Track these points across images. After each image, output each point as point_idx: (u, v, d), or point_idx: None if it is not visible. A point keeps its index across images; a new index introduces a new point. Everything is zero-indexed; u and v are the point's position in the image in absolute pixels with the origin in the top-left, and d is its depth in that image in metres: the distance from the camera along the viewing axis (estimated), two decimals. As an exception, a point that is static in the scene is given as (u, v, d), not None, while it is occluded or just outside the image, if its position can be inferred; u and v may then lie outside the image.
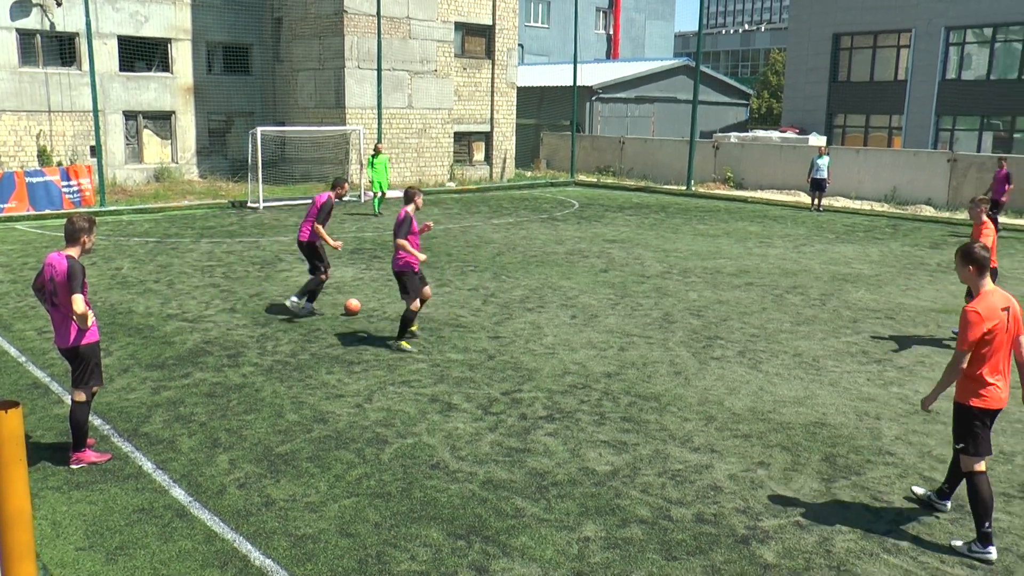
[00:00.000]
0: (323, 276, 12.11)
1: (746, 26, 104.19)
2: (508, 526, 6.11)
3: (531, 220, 22.87)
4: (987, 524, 5.84)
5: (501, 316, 12.21)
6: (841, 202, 29.14)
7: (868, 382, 9.63)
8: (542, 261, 16.54)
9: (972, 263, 6.07)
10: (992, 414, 6.03)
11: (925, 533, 6.19)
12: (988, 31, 39.40)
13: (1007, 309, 5.96)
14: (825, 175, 26.52)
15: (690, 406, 8.68)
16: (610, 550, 5.82)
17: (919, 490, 6.73)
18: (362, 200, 26.36)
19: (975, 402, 6.00)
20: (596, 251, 17.94)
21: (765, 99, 64.51)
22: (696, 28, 33.43)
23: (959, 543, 6.00)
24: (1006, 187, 22.29)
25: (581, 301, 13.24)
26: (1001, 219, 23.14)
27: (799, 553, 5.85)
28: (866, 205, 28.47)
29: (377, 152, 23.27)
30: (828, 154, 27.35)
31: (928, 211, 27.12)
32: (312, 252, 12.11)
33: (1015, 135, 39.32)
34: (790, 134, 38.74)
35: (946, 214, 26.15)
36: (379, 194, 23.38)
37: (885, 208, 27.65)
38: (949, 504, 6.56)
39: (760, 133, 39.22)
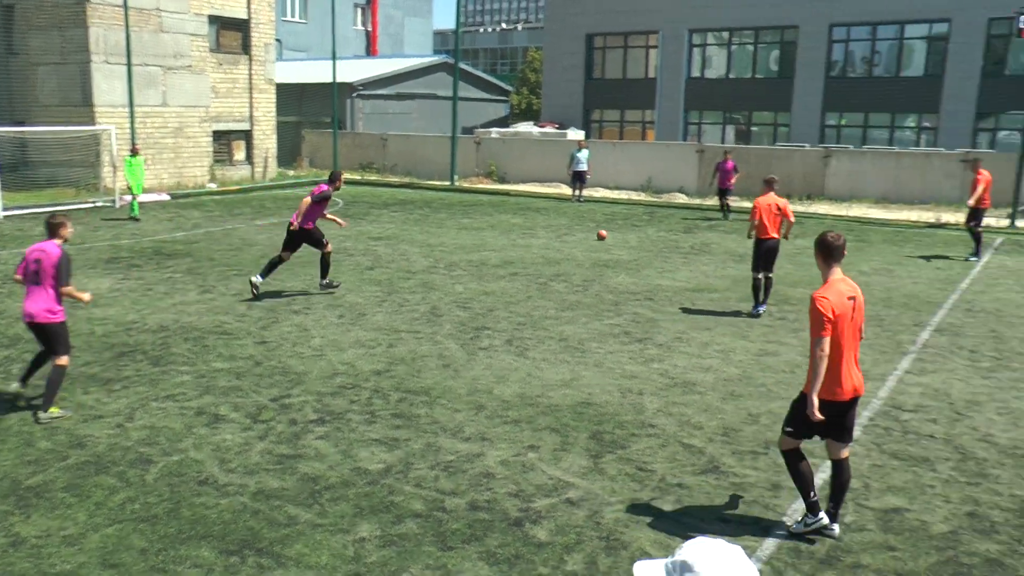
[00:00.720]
0: (327, 250, 13.66)
1: (504, 25, 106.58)
2: (282, 536, 5.95)
3: (296, 220, 22.35)
4: (812, 494, 5.96)
5: (267, 320, 11.87)
6: (601, 192, 30.45)
7: (630, 360, 10.13)
8: (307, 262, 16.20)
9: (820, 251, 6.09)
10: (835, 405, 5.89)
11: (686, 497, 6.58)
12: (725, 34, 42.43)
13: (852, 298, 5.95)
14: (585, 167, 27.60)
15: (460, 397, 8.79)
16: (386, 548, 5.80)
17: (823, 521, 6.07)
18: (117, 205, 24.74)
19: (819, 393, 5.81)
20: (362, 249, 17.81)
21: (525, 95, 66.28)
22: (454, 26, 33.82)
23: (793, 524, 6.07)
24: (732, 177, 24.05)
25: (348, 300, 13.10)
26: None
27: (570, 528, 6.07)
28: (624, 195, 29.89)
29: (135, 153, 21.98)
30: (587, 147, 28.48)
31: (681, 198, 28.89)
32: (305, 237, 13.47)
33: (752, 128, 42.58)
34: (549, 129, 40.04)
35: (697, 201, 27.94)
36: (135, 197, 22.07)
37: (642, 197, 29.18)
38: (835, 528, 6.09)
39: (521, 128, 40.30)
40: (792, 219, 13.10)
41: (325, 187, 13.53)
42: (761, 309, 12.68)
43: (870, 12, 38.37)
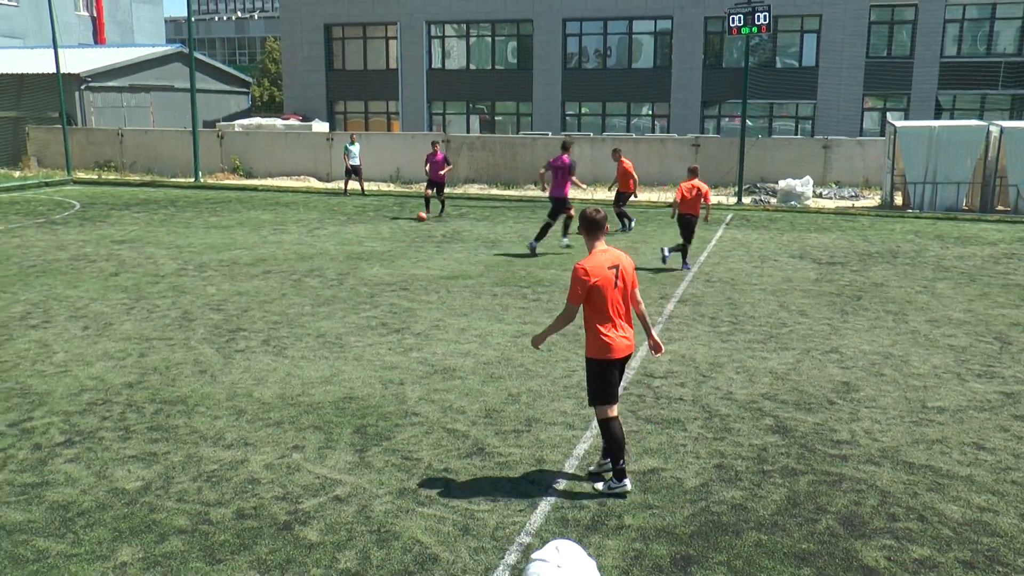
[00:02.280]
0: (570, 213, 17.25)
1: (239, 13, 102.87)
2: (29, 572, 5.48)
3: (25, 226, 20.59)
4: (622, 461, 6.38)
5: (-4, 337, 10.87)
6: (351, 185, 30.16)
7: (390, 351, 10.14)
8: (43, 271, 14.98)
9: (583, 226, 6.50)
10: (613, 363, 6.44)
11: (453, 481, 6.68)
12: (463, 27, 43.15)
13: (615, 267, 6.39)
14: (358, 161, 27.14)
15: (219, 403, 8.46)
16: (150, 570, 5.49)
17: (599, 485, 6.53)
18: None
19: (594, 354, 6.43)
20: (104, 254, 16.68)
21: (267, 87, 64.47)
22: (186, 13, 32.25)
23: (600, 485, 6.48)
24: (444, 168, 24.07)
25: (92, 310, 12.24)
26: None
27: (341, 526, 6.00)
28: (374, 186, 29.77)
29: None
30: (358, 141, 27.98)
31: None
32: (562, 204, 17.15)
33: (497, 117, 43.64)
34: (294, 121, 39.18)
35: (447, 190, 28.23)
36: None
37: (391, 187, 29.18)
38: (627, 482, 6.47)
39: (263, 121, 39.14)
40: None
41: (567, 159, 16.99)
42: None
43: (600, 8, 40.38)
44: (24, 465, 7.07)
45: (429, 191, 22.17)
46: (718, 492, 6.58)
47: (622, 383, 6.93)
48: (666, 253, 15.77)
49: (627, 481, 6.48)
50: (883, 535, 5.99)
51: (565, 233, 17.61)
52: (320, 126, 37.87)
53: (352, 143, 27.27)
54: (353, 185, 27.61)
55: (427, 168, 22.12)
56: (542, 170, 17.46)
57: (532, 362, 9.76)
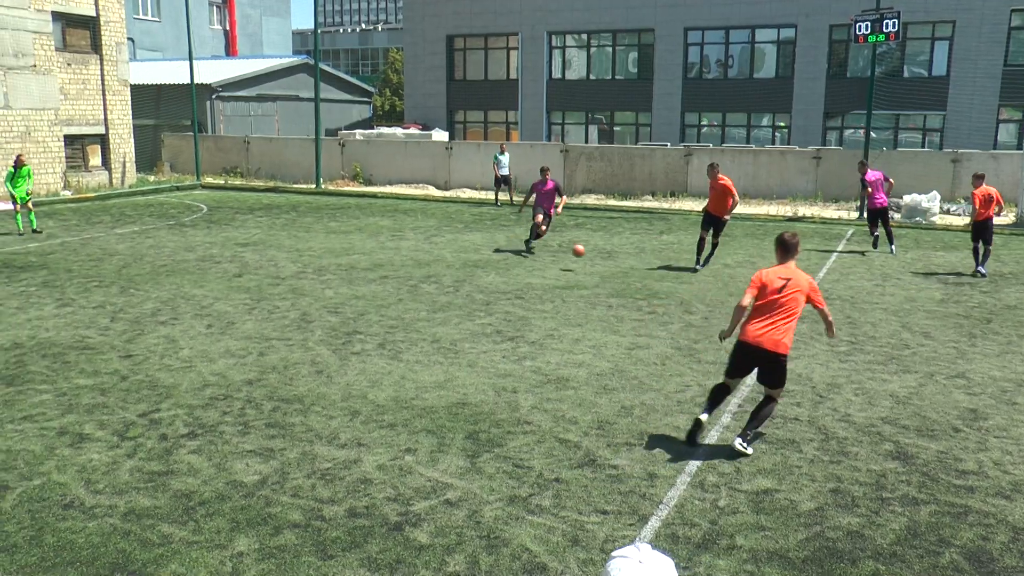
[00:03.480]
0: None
1: (363, 25, 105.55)
2: (155, 556, 5.73)
3: (158, 227, 21.59)
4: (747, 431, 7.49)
5: (132, 333, 11.41)
6: (468, 193, 30.54)
7: (503, 359, 10.20)
8: (172, 270, 15.68)
9: (777, 247, 7.83)
10: (741, 345, 7.62)
11: (564, 491, 6.67)
12: (584, 36, 43.22)
13: (786, 279, 7.56)
14: (508, 171, 27.34)
15: (334, 403, 8.67)
16: (265, 561, 5.66)
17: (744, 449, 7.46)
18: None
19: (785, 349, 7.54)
20: (228, 256, 17.33)
21: (388, 97, 65.91)
22: (313, 26, 33.29)
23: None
24: (556, 200, 23.92)
25: (216, 309, 12.73)
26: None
27: (451, 529, 6.06)
28: (490, 195, 30.05)
29: (19, 164, 20.34)
30: (507, 151, 28.15)
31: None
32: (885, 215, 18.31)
33: (615, 127, 43.52)
34: (414, 130, 39.91)
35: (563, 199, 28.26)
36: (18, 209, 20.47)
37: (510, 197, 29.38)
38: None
39: (384, 130, 40.02)
40: (737, 199, 16.16)
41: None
42: (699, 267, 15.96)
43: (722, 17, 39.82)
44: (152, 454, 7.39)
45: (542, 225, 18.08)
46: (834, 517, 6.37)
47: (735, 402, 6.77)
48: (981, 270, 16.23)
49: (739, 442, 7.43)
50: (1015, 574, 5.69)
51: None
52: (440, 135, 38.48)
53: (502, 152, 27.31)
54: (504, 196, 27.70)
55: (530, 198, 18.39)
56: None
57: (646, 375, 9.67)
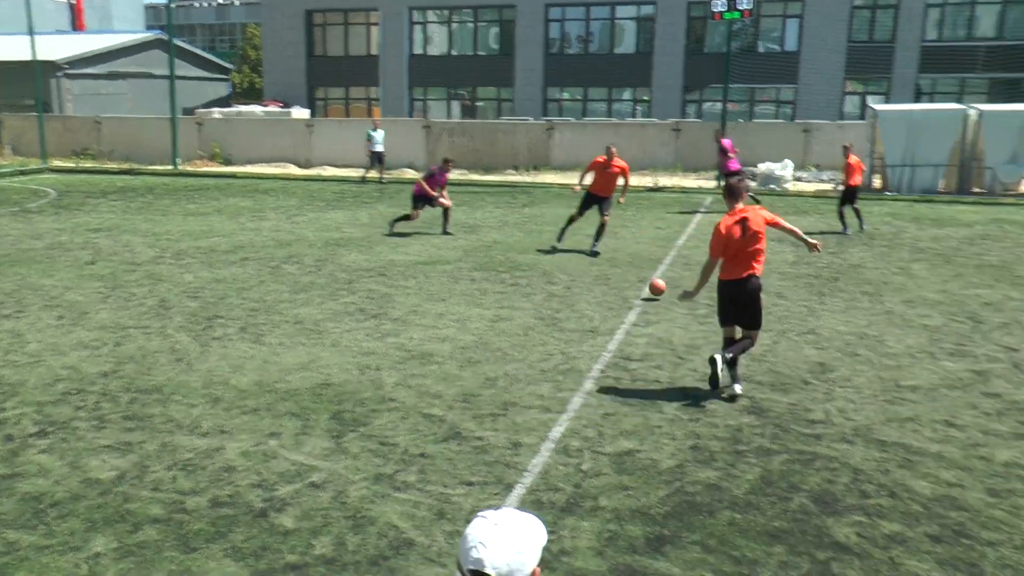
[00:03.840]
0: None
1: (220, 0, 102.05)
2: (1, 565, 5.46)
3: (0, 215, 20.45)
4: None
5: (-30, 328, 10.78)
6: (329, 171, 30.06)
7: (367, 337, 10.13)
8: (17, 260, 14.86)
9: (726, 193, 8.51)
10: (726, 283, 8.37)
11: (429, 466, 6.68)
12: (446, 12, 42.98)
13: (743, 219, 8.15)
14: (381, 148, 26.75)
15: (195, 391, 8.43)
16: (124, 559, 5.47)
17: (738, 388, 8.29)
18: None
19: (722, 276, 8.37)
20: (80, 242, 16.56)
21: (247, 74, 64.11)
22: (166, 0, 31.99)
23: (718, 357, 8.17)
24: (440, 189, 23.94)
25: (67, 299, 12.16)
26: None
27: (316, 512, 6.00)
28: (355, 172, 29.66)
29: None
30: (380, 128, 27.52)
31: (411, 173, 29.04)
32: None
33: (478, 103, 43.55)
34: (274, 108, 38.96)
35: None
36: None
37: (372, 174, 29.04)
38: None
39: (243, 108, 38.92)
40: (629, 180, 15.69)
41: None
42: (595, 250, 15.22)
43: (582, -8, 40.31)
44: (-3, 455, 7.02)
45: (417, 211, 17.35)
46: (693, 472, 6.62)
47: (597, 368, 6.94)
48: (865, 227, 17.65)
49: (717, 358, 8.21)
50: (854, 512, 6.04)
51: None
52: (300, 113, 37.69)
53: (375, 129, 26.73)
54: (375, 174, 27.08)
55: (423, 184, 17.20)
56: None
57: (510, 346, 9.77)
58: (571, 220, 15.80)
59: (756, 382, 8.68)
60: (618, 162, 15.33)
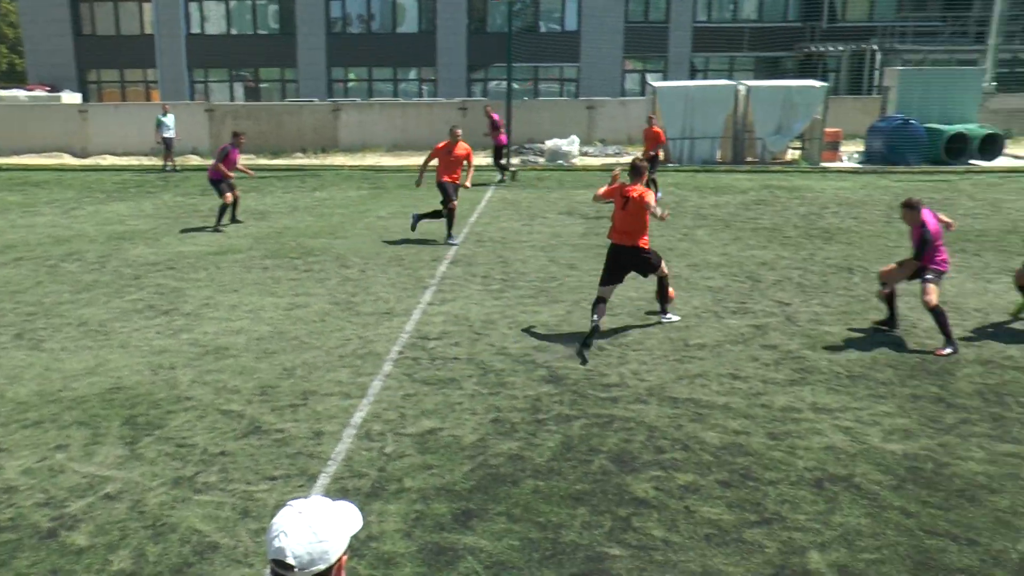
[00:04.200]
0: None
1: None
2: None
3: None
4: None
5: None
6: (109, 160, 28.39)
7: (158, 335, 9.69)
8: None
9: (630, 171, 9.58)
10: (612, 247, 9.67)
11: (231, 464, 6.50)
12: (218, -16, 41.29)
13: (627, 195, 9.34)
14: (173, 134, 25.32)
15: (-35, 406, 7.79)
16: None
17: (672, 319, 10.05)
18: None
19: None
20: None
21: (4, 54, 59.29)
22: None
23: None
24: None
25: None
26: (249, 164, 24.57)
27: (112, 525, 5.71)
28: (134, 160, 28.16)
29: None
30: (170, 112, 25.97)
31: (195, 160, 27.86)
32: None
33: (261, 84, 42.20)
34: (40, 92, 36.25)
35: (212, 161, 27.12)
36: None
37: (154, 161, 27.68)
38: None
39: (3, 93, 36.00)
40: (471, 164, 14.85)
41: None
42: (453, 241, 14.55)
43: (361, -32, 39.79)
44: None
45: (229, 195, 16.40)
46: (495, 445, 6.77)
47: (395, 349, 6.94)
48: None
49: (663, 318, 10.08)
50: (651, 467, 6.38)
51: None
52: (71, 97, 35.25)
53: (165, 114, 25.33)
54: (167, 160, 25.61)
55: (220, 168, 16.30)
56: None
57: (306, 334, 9.62)
58: (438, 213, 14.78)
59: (552, 352, 8.96)
60: (463, 145, 14.52)
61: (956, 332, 9.54)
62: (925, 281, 9.04)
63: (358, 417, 7.33)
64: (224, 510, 5.85)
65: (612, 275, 9.55)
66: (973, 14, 37.87)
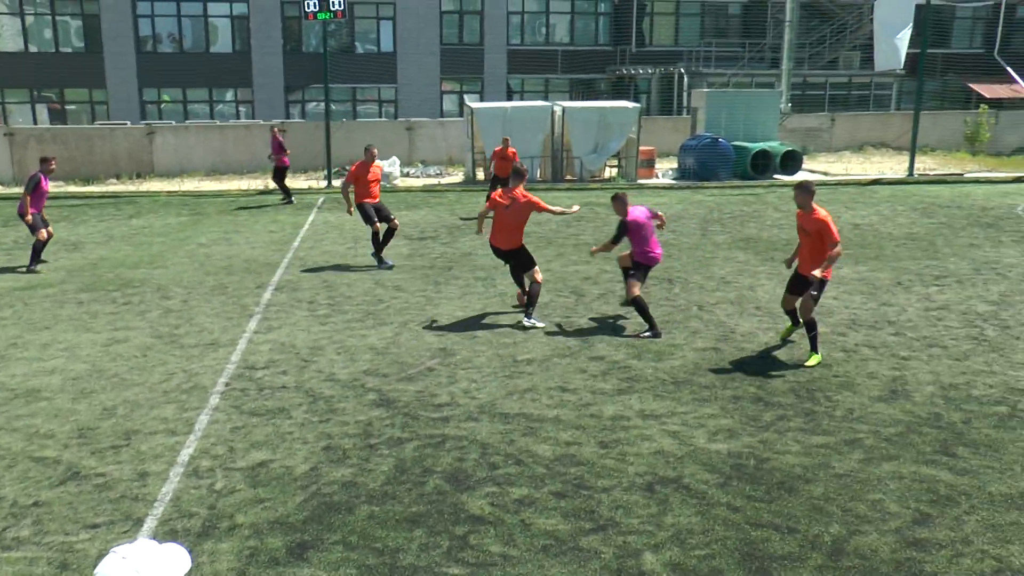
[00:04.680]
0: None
1: None
2: None
3: None
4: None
5: None
6: None
7: (-44, 381, 9.00)
8: None
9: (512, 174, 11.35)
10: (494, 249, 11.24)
11: (46, 515, 6.10)
12: (16, 2, 38.87)
13: (510, 201, 11.01)
14: None
15: None
16: None
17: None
18: None
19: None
20: None
21: None
22: None
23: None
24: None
25: None
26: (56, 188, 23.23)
27: (-91, 586, 5.27)
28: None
29: None
30: None
31: (-6, 190, 26.09)
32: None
33: (68, 106, 40.01)
34: None
35: (15, 189, 25.44)
36: None
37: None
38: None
39: None
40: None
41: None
42: (386, 263, 14.33)
43: (171, -12, 38.44)
44: None
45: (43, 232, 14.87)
46: (328, 473, 6.68)
47: (221, 381, 6.76)
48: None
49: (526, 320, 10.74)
50: (486, 484, 6.46)
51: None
52: None
53: None
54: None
55: (28, 194, 14.63)
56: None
57: (127, 370, 9.18)
58: (383, 236, 14.49)
59: (382, 375, 8.92)
60: (378, 164, 14.60)
61: (769, 335, 10.19)
62: (628, 277, 10.44)
63: (185, 454, 7.05)
64: (39, 566, 5.49)
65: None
66: (768, 41, 40.49)
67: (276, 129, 23.68)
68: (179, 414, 7.91)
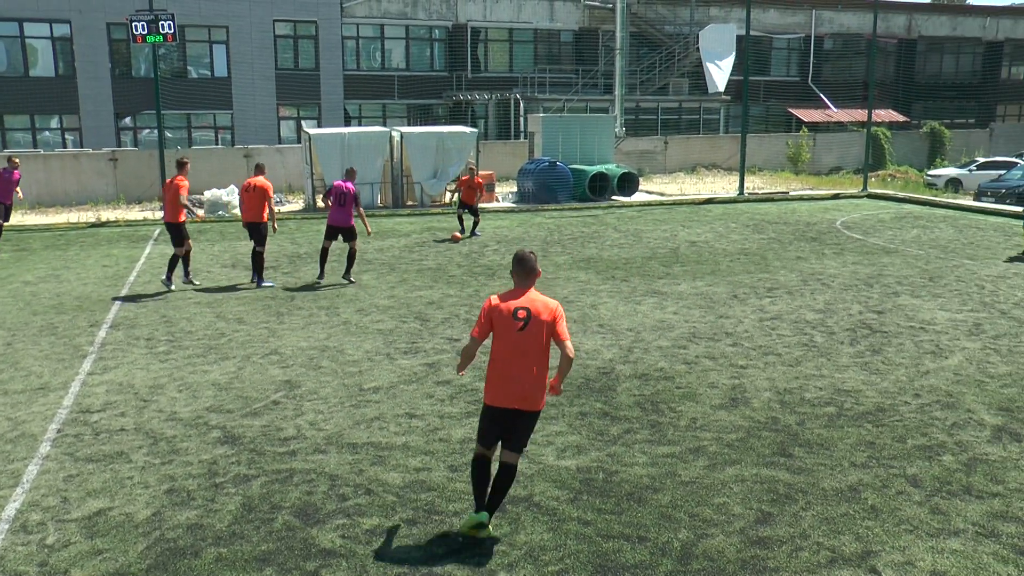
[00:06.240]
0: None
1: None
2: None
3: None
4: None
5: None
6: None
7: None
8: None
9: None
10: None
11: None
12: None
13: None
14: None
15: None
16: None
17: None
18: None
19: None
20: None
21: None
22: None
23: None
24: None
25: None
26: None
27: None
28: None
29: None
30: None
31: None
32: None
33: None
34: None
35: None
36: None
37: None
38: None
39: None
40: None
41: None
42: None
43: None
44: None
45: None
46: (172, 517, 6.45)
47: (52, 428, 6.40)
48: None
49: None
50: (336, 516, 6.40)
51: None
52: None
53: None
54: None
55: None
56: None
57: (-57, 420, 8.58)
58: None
59: (226, 411, 8.69)
60: (262, 182, 15.33)
61: (613, 351, 10.52)
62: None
63: (12, 509, 6.64)
64: None
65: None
66: (601, 67, 41.82)
67: (14, 158, 21.86)
68: (4, 466, 7.44)
